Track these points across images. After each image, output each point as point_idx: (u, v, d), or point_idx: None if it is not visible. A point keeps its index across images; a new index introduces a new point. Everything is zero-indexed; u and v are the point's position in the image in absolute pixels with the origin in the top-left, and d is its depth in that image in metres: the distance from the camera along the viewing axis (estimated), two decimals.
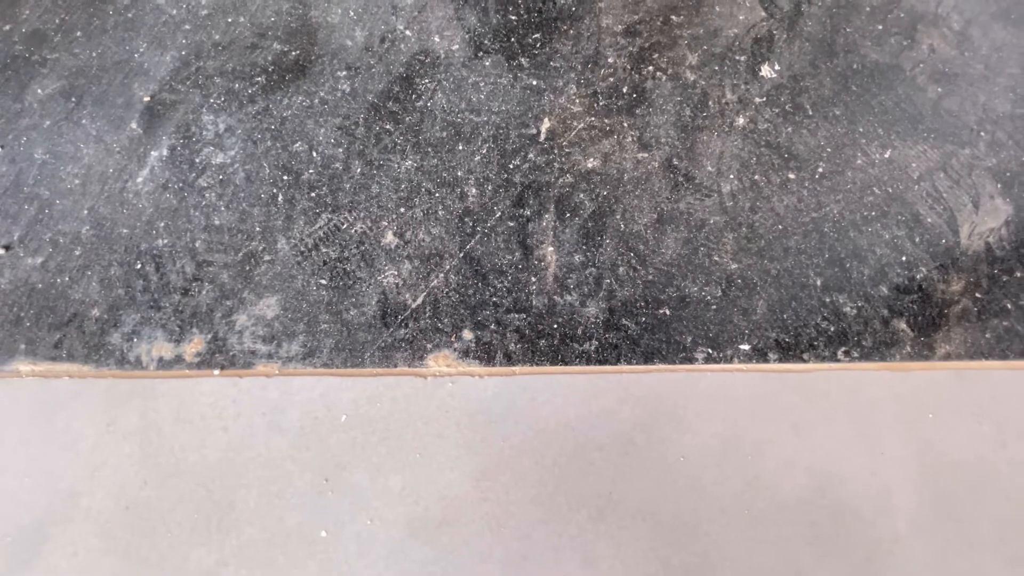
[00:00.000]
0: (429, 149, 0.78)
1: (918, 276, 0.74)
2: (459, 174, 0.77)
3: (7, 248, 0.72)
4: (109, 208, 0.74)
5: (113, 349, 0.67)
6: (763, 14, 0.90)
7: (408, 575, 0.60)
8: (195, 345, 0.67)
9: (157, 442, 0.65)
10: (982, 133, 0.83)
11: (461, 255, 0.73)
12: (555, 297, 0.71)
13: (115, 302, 0.69)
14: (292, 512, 0.62)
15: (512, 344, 0.68)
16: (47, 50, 0.82)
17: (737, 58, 0.87)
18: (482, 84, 0.83)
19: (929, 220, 0.78)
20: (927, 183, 0.80)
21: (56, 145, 0.76)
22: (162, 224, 0.74)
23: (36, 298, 0.69)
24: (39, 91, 0.80)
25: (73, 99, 0.80)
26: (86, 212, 0.74)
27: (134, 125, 0.78)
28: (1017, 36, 0.90)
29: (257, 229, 0.74)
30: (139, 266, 0.71)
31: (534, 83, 0.83)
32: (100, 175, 0.76)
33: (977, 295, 0.73)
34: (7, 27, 0.84)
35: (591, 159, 0.79)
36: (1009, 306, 0.73)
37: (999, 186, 0.80)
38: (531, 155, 0.79)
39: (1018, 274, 0.75)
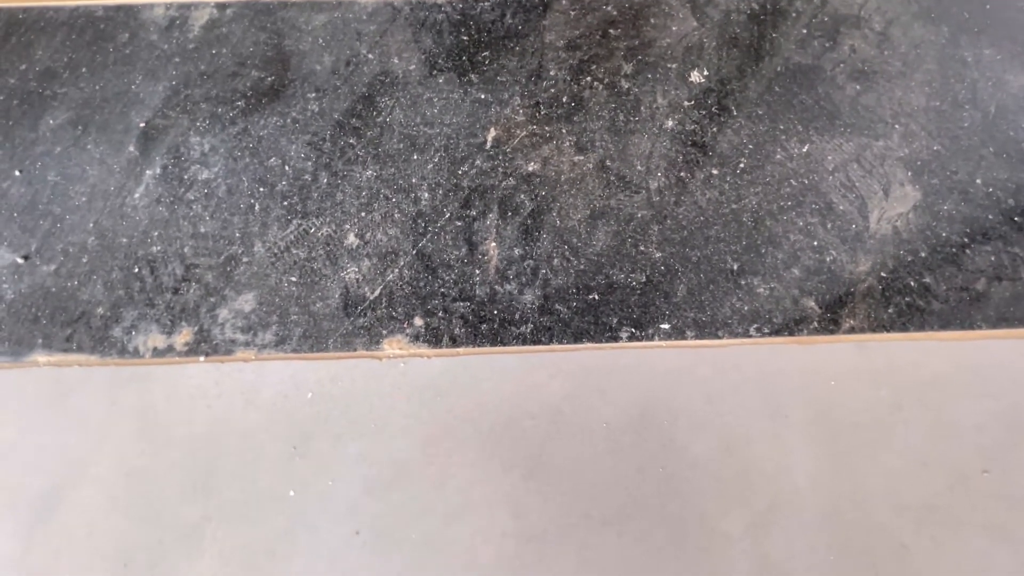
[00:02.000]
0: (387, 160, 0.89)
1: (828, 259, 0.82)
2: (413, 181, 0.88)
3: (26, 258, 0.84)
4: (111, 221, 0.86)
5: (115, 341, 0.78)
6: (695, 23, 0.99)
7: (363, 527, 0.70)
8: (184, 336, 0.78)
9: (152, 419, 0.76)
10: (896, 126, 0.91)
11: (414, 252, 0.83)
12: (496, 287, 0.81)
13: (116, 301, 0.81)
14: (265, 475, 0.72)
15: (457, 329, 0.78)
16: (57, 85, 0.95)
17: (669, 66, 0.96)
18: (436, 99, 0.93)
19: (841, 208, 0.85)
20: (841, 174, 0.87)
21: (66, 168, 0.89)
22: (156, 233, 0.85)
23: (50, 300, 0.81)
24: (51, 121, 0.92)
25: (80, 127, 0.92)
26: (91, 225, 0.86)
27: (132, 148, 0.90)
28: (935, 33, 0.97)
29: (237, 235, 0.85)
30: (136, 270, 0.83)
31: (482, 96, 0.93)
32: (103, 192, 0.87)
33: (882, 274, 0.81)
34: (23, 66, 0.96)
35: (532, 163, 0.88)
36: (912, 283, 0.80)
37: (909, 174, 0.87)
38: (478, 161, 0.89)
39: (922, 254, 0.82)
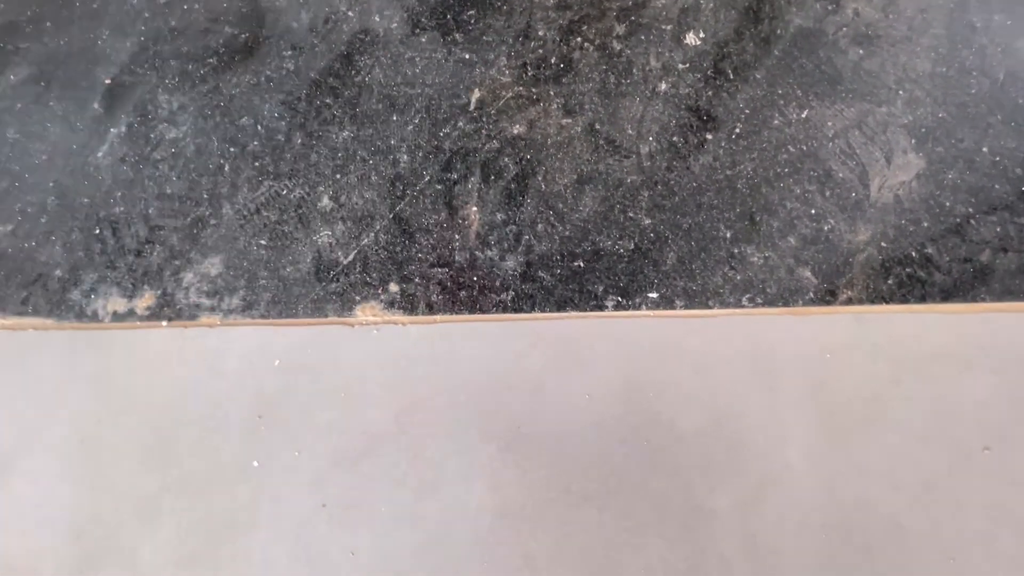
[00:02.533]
0: (365, 120, 0.84)
1: (825, 227, 0.78)
2: (392, 142, 0.83)
3: None
4: (72, 180, 0.82)
5: (73, 304, 0.74)
6: None
7: (330, 499, 0.66)
8: (146, 300, 0.74)
9: (110, 385, 0.72)
10: (900, 92, 0.86)
11: (391, 216, 0.79)
12: (476, 252, 0.77)
13: (76, 263, 0.77)
14: (228, 445, 0.68)
15: (434, 295, 0.74)
16: (19, 39, 0.90)
17: (663, 27, 0.91)
18: (418, 59, 0.89)
19: (841, 175, 0.81)
20: (842, 140, 0.83)
21: (26, 125, 0.84)
22: (119, 193, 0.81)
23: (6, 261, 0.77)
24: (12, 77, 0.88)
25: (42, 83, 0.87)
26: (51, 184, 0.81)
27: (96, 105, 0.85)
28: None
29: (205, 196, 0.80)
30: (98, 231, 0.79)
31: (467, 57, 0.89)
32: (65, 151, 0.83)
33: (883, 244, 0.77)
34: None
35: (517, 126, 0.84)
36: (913, 254, 0.76)
37: (913, 141, 0.83)
38: (460, 123, 0.84)
39: (925, 224, 0.78)
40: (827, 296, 0.75)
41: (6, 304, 0.75)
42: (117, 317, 0.74)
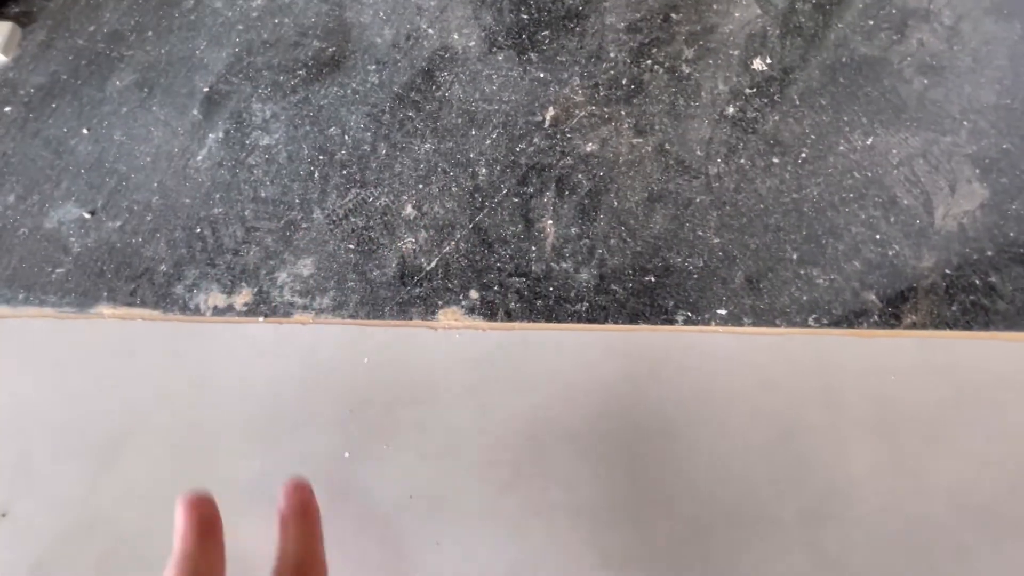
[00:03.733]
0: (446, 134, 0.89)
1: (890, 253, 0.80)
2: (471, 156, 0.87)
3: (92, 213, 0.86)
4: (174, 181, 0.87)
5: (177, 298, 0.80)
6: (758, 11, 0.97)
7: (416, 490, 0.70)
8: (244, 297, 0.79)
9: (212, 374, 0.77)
10: (964, 122, 0.88)
11: (471, 226, 0.83)
12: (552, 264, 0.80)
13: (179, 259, 0.82)
14: (320, 436, 0.73)
15: (513, 303, 0.78)
16: (124, 47, 0.96)
17: (731, 52, 0.94)
18: (495, 76, 0.93)
19: (905, 202, 0.83)
20: (906, 168, 0.85)
21: (131, 128, 0.90)
22: (218, 196, 0.86)
23: (115, 255, 0.83)
24: (117, 83, 0.94)
25: (145, 89, 0.93)
26: (156, 185, 0.87)
27: (195, 112, 0.91)
28: (1007, 30, 0.94)
29: (296, 201, 0.85)
30: (198, 230, 0.84)
31: (541, 75, 0.93)
32: (167, 154, 0.89)
33: (946, 271, 0.79)
34: (92, 28, 0.98)
35: (590, 144, 0.88)
36: (977, 282, 0.78)
37: (977, 171, 0.85)
38: (536, 140, 0.88)
39: (988, 253, 0.80)
40: (891, 320, 0.77)
41: (116, 295, 0.80)
42: (217, 312, 0.79)
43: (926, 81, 0.91)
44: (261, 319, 0.78)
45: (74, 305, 0.80)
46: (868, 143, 0.87)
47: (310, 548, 0.54)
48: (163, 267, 0.81)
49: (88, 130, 0.90)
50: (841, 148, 0.87)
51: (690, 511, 0.68)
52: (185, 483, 0.70)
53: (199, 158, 0.88)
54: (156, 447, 0.72)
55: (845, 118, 0.89)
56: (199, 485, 0.69)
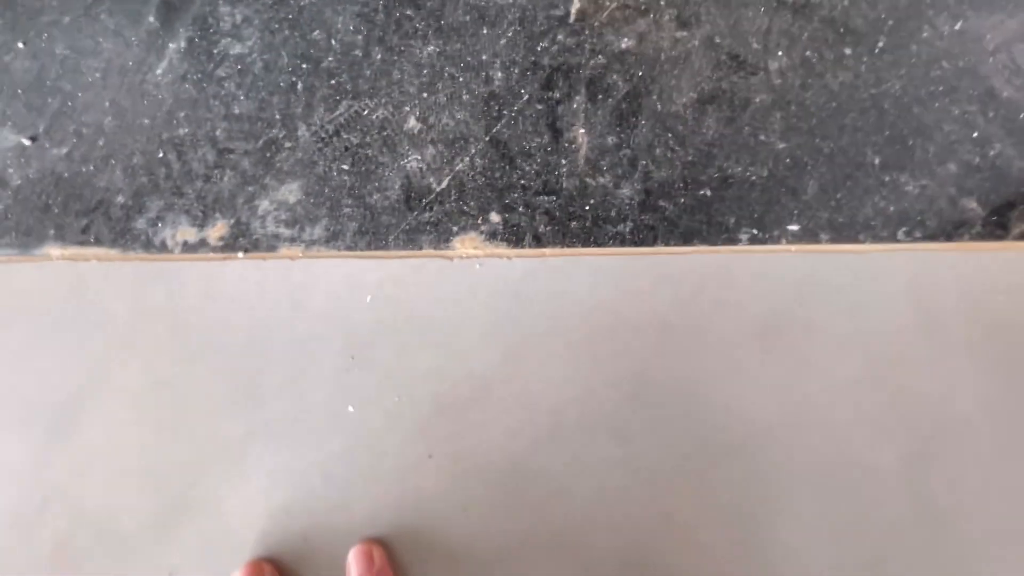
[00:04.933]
0: (452, 34, 0.74)
1: (991, 152, 0.67)
2: (484, 58, 0.73)
3: (33, 139, 0.72)
4: (130, 100, 0.73)
5: (139, 234, 0.66)
6: None
7: (437, 449, 0.59)
8: (218, 229, 0.66)
9: (184, 322, 0.64)
10: None
11: (487, 138, 0.69)
12: (587, 179, 0.67)
13: (139, 189, 0.69)
14: (318, 389, 0.61)
15: (542, 226, 0.65)
16: None
17: None
18: None
19: (1005, 94, 0.70)
20: (1004, 55, 0.71)
21: (76, 40, 0.75)
22: (182, 114, 0.72)
23: (63, 186, 0.69)
24: None
25: None
26: (107, 104, 0.73)
27: (151, 18, 0.76)
28: None
29: (277, 117, 0.71)
30: (161, 155, 0.70)
31: None
32: (120, 68, 0.74)
33: None
34: None
35: (625, 39, 0.73)
36: None
37: None
38: (560, 37, 0.73)
39: None
40: (997, 230, 0.64)
41: (65, 233, 0.67)
42: (188, 248, 0.66)
43: None
44: (241, 255, 0.65)
45: (16, 246, 0.67)
46: (956, 28, 0.73)
47: None
48: (120, 199, 0.68)
49: (24, 44, 0.75)
50: (925, 35, 0.73)
51: (767, 462, 0.56)
52: (154, 451, 0.57)
53: (158, 72, 0.74)
54: (119, 410, 0.60)
55: (928, 0, 0.75)
56: (171, 453, 0.56)
